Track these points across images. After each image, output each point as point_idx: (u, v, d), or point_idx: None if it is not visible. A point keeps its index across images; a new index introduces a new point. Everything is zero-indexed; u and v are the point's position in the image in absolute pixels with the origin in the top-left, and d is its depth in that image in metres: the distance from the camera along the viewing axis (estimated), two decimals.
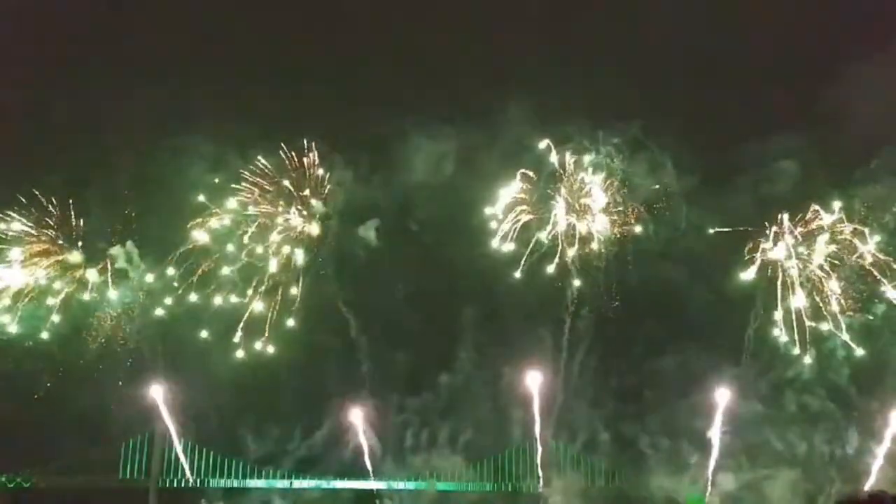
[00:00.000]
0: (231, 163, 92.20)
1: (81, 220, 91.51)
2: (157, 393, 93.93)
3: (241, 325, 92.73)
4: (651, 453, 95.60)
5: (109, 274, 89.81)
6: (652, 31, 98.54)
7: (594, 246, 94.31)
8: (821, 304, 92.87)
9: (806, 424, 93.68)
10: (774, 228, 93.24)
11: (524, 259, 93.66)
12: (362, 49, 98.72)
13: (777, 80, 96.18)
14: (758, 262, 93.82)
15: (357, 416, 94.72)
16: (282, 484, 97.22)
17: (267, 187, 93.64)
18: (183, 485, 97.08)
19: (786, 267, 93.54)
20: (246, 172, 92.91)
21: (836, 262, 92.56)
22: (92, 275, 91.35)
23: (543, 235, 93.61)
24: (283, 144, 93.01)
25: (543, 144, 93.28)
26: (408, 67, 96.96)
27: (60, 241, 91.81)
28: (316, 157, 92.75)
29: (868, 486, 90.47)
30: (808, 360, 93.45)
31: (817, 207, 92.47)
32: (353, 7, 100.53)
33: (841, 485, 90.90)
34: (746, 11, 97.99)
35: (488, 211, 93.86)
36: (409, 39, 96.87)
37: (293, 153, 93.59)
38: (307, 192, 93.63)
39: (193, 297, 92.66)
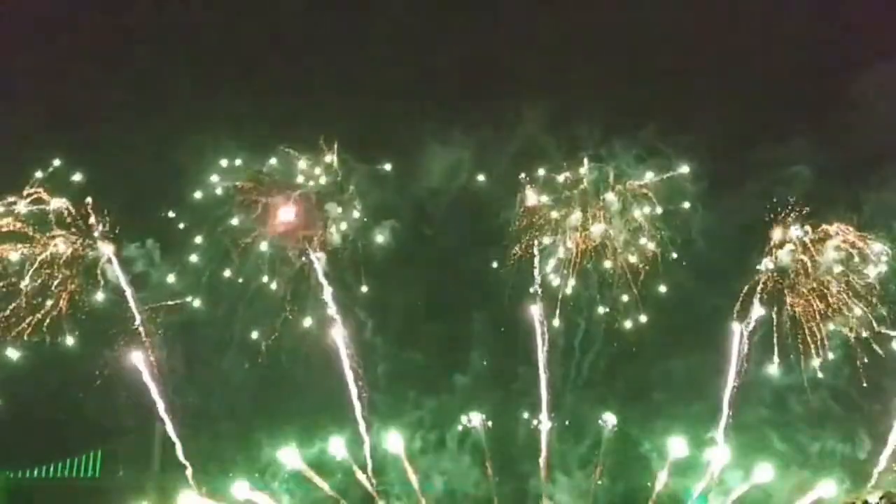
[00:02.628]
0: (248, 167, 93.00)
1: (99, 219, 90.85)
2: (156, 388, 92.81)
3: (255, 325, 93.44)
4: (656, 453, 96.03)
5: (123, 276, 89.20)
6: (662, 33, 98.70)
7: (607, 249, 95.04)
8: (826, 309, 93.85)
9: (812, 426, 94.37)
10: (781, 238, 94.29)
11: (537, 265, 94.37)
12: (371, 50, 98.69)
13: (787, 83, 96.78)
14: (765, 266, 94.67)
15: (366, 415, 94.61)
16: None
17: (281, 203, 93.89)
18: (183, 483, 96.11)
19: (792, 272, 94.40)
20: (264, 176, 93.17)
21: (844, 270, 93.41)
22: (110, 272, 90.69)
23: (558, 240, 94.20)
24: (293, 151, 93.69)
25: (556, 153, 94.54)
26: (419, 70, 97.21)
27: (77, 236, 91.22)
28: (336, 162, 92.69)
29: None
30: (813, 363, 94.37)
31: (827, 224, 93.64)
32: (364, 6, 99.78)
33: (849, 486, 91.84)
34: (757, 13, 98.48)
35: (502, 217, 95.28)
36: (419, 41, 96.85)
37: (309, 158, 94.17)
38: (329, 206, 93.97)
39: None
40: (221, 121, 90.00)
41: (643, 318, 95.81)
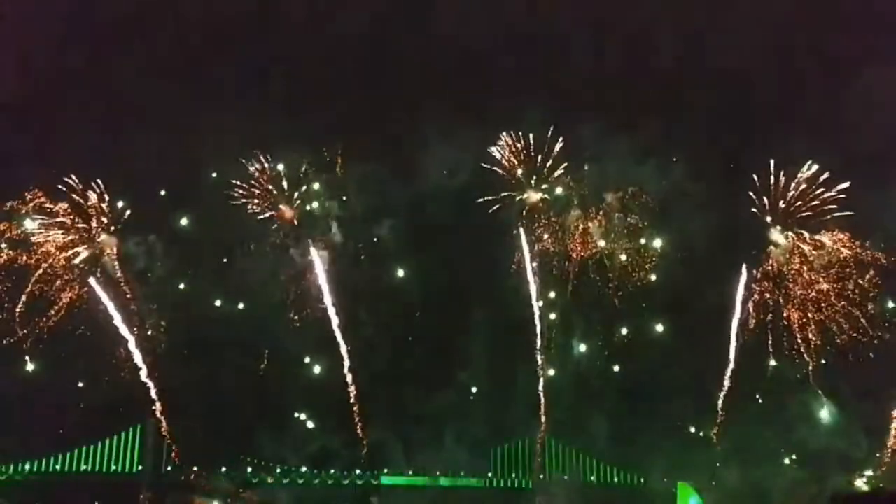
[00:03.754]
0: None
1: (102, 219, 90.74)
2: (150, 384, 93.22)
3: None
4: (651, 451, 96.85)
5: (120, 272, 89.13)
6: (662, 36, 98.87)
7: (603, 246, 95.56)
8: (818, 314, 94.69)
9: (806, 423, 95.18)
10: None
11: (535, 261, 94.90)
12: (375, 51, 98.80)
13: (789, 85, 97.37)
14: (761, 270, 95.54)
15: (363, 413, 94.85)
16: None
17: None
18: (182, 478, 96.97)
19: (788, 277, 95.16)
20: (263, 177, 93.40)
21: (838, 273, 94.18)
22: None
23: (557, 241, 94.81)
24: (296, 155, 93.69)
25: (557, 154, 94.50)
26: (422, 70, 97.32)
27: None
28: (339, 164, 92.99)
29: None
30: (808, 364, 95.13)
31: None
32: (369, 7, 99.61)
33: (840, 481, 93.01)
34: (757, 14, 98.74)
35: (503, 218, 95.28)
36: (424, 42, 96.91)
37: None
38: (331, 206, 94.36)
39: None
40: (225, 122, 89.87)
41: (641, 322, 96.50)
